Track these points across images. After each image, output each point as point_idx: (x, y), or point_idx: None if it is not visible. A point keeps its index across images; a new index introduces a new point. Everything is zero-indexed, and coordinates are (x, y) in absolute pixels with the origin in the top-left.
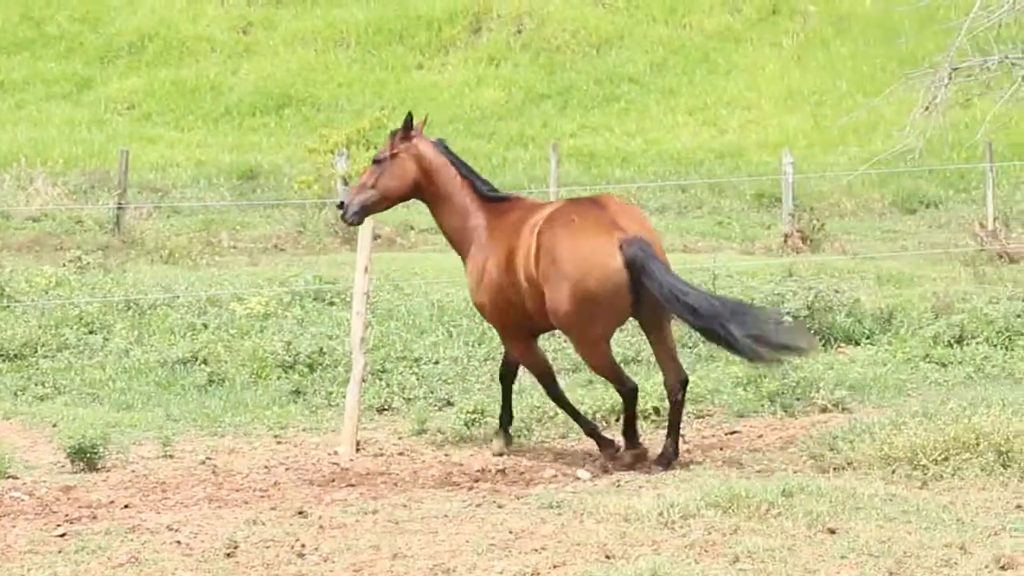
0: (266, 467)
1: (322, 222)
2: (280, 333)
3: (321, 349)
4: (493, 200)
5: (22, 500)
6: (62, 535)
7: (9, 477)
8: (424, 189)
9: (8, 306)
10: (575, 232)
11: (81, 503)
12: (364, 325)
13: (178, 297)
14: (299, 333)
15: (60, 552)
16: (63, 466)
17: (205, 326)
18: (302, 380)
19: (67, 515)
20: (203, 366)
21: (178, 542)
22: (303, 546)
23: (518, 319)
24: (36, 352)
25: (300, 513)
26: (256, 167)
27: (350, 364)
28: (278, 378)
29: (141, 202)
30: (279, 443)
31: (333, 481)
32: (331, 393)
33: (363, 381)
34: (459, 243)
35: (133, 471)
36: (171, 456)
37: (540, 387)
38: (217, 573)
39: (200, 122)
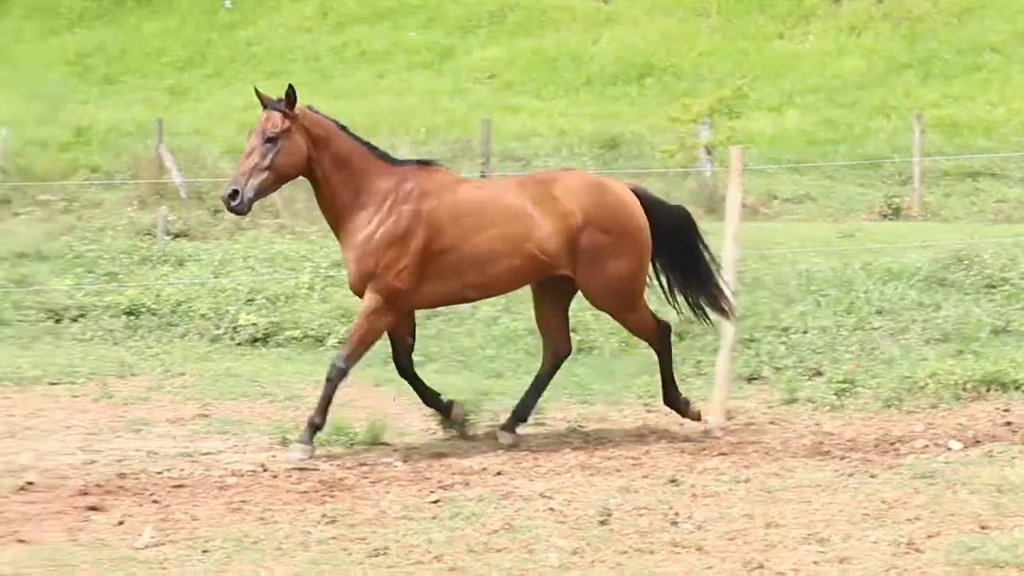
0: (637, 435)
1: (686, 192)
2: (651, 302)
3: (689, 318)
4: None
5: (395, 467)
6: (435, 501)
7: (382, 444)
8: (317, 163)
9: None
10: None
11: (454, 470)
12: (733, 294)
13: None
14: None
15: (434, 518)
16: (434, 433)
17: None
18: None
19: (440, 481)
20: (572, 334)
21: (551, 509)
22: (676, 514)
23: None
24: None
25: (672, 481)
26: (618, 136)
27: (719, 333)
28: (647, 347)
29: (504, 171)
30: (649, 411)
31: (704, 450)
32: (700, 362)
33: (733, 350)
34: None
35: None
36: (542, 424)
37: None
38: (591, 540)
39: (561, 91)
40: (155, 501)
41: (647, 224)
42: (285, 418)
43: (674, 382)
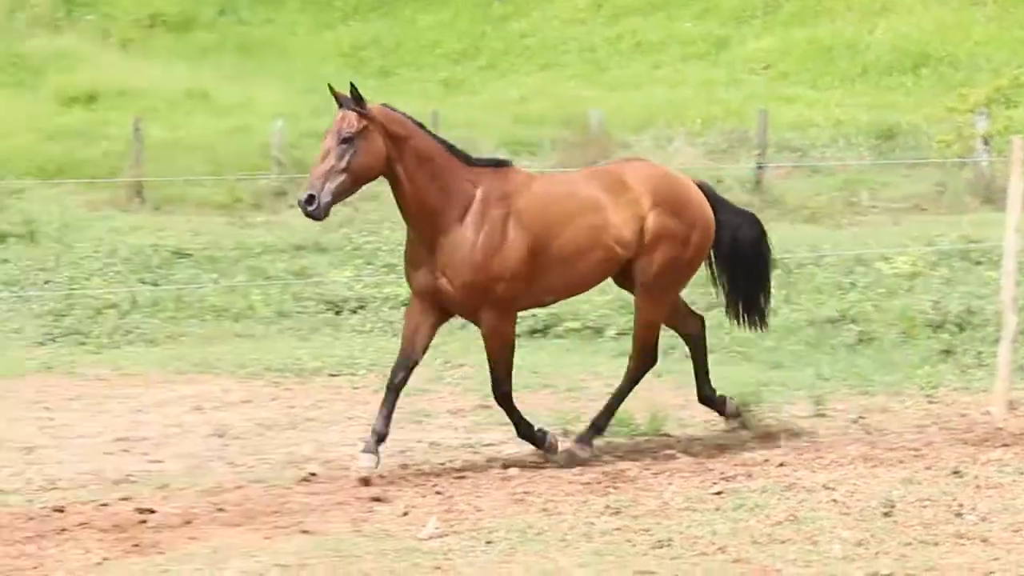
0: (919, 426)
1: (963, 182)
2: (928, 292)
3: (970, 308)
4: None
5: (677, 458)
6: (718, 493)
7: (663, 435)
8: (398, 161)
9: None
10: None
11: (736, 461)
12: (1015, 284)
13: (824, 256)
14: (947, 292)
15: (717, 509)
16: (714, 425)
17: (853, 285)
18: (952, 339)
19: (722, 473)
20: (852, 325)
21: (834, 500)
22: (960, 505)
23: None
24: None
25: (955, 472)
26: (894, 127)
27: (1001, 323)
28: (927, 337)
29: (780, 161)
30: (931, 403)
31: (987, 441)
32: (981, 352)
33: (1014, 341)
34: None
35: (787, 430)
36: (823, 415)
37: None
38: (875, 531)
39: (837, 81)
40: (438, 492)
41: (712, 217)
42: (566, 409)
43: (708, 377)
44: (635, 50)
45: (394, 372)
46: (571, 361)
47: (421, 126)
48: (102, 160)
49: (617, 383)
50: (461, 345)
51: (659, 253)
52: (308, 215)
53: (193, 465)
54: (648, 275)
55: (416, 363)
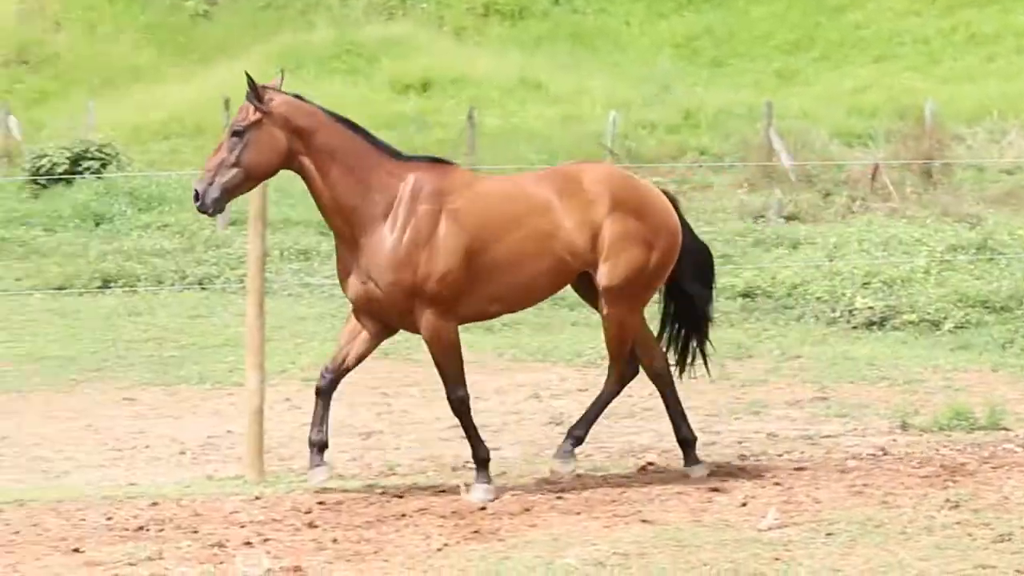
0: None
1: None
2: None
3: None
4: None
5: (1016, 452)
6: None
7: (1003, 429)
8: (302, 156)
9: (992, 258)
10: None
11: None
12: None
13: None
14: None
15: None
16: None
17: None
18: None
19: None
20: None
21: None
22: None
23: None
24: (1022, 305)
25: None
26: None
27: None
28: None
29: None
30: None
31: None
32: None
33: None
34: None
35: None
36: None
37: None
38: None
39: None
40: (777, 483)
41: (678, 223)
42: (904, 402)
43: (683, 415)
44: (969, 42)
45: (321, 375)
46: (909, 354)
47: (341, 119)
48: (436, 148)
49: (956, 375)
50: (798, 336)
51: (622, 259)
52: (198, 211)
53: (531, 453)
54: (612, 282)
55: (346, 372)
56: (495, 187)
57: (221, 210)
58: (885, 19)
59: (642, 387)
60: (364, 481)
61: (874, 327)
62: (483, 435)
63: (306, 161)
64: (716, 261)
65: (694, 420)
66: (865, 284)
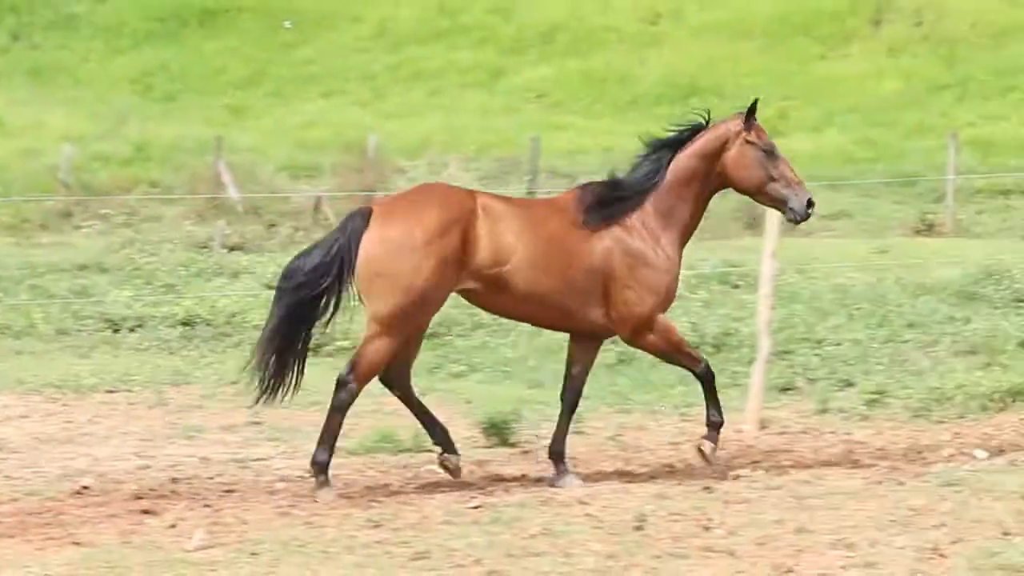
0: (673, 444)
1: (726, 208)
2: (687, 314)
3: (726, 330)
4: None
5: (437, 473)
6: (477, 507)
7: (426, 451)
8: None
9: None
10: None
11: (495, 476)
12: (769, 308)
13: None
14: (705, 315)
15: (475, 523)
16: (477, 441)
17: None
18: (708, 360)
19: (481, 488)
20: (612, 346)
21: (588, 515)
22: (709, 520)
23: None
24: (451, 331)
25: (706, 488)
26: None
27: (755, 345)
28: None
29: (551, 187)
30: (685, 421)
31: (738, 458)
32: (736, 373)
33: (767, 362)
34: None
35: (545, 447)
36: (582, 432)
37: None
38: (626, 545)
39: (608, 110)
40: (207, 505)
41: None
42: None
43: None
44: (414, 78)
45: None
46: None
47: None
48: None
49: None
50: (235, 363)
51: None
52: (802, 221)
53: None
54: None
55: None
56: None
57: None
58: (334, 56)
59: (82, 412)
60: None
61: (309, 353)
62: None
63: None
64: (159, 291)
65: (130, 447)
66: None
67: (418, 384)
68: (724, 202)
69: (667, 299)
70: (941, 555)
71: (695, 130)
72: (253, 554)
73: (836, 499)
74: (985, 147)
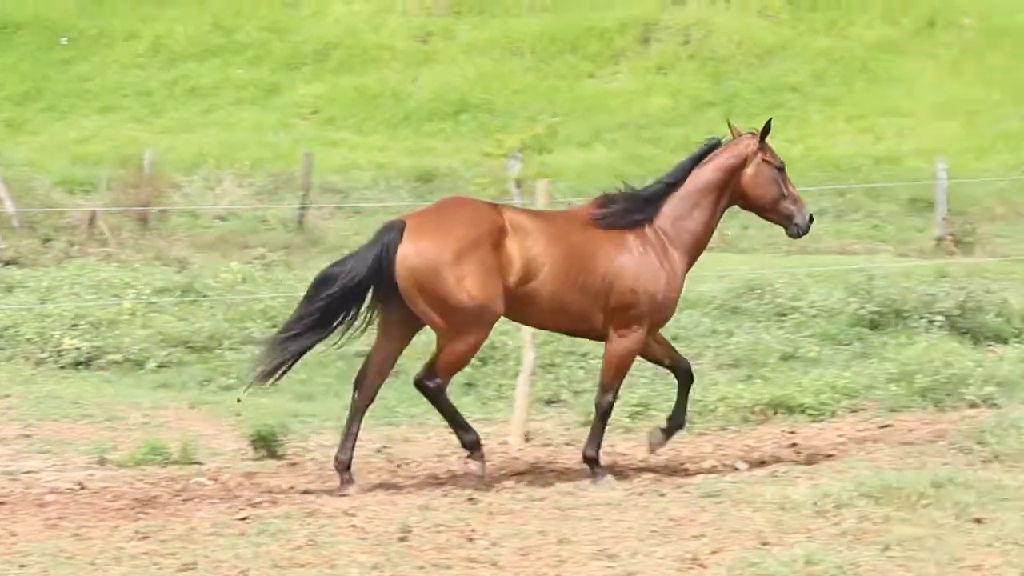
0: (439, 456)
1: None
2: None
3: (493, 343)
4: None
5: (206, 485)
6: (244, 519)
7: (194, 463)
8: None
9: (196, 300)
10: None
11: (262, 488)
12: None
13: None
14: None
15: (242, 534)
16: (245, 453)
17: None
18: (474, 373)
19: (249, 499)
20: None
21: (354, 526)
22: (473, 531)
23: None
24: (222, 344)
25: (470, 500)
26: (433, 170)
27: (521, 358)
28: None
29: (323, 203)
30: (451, 433)
31: (503, 469)
32: (502, 385)
33: (533, 374)
34: None
35: (312, 459)
36: None
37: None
38: (391, 556)
39: (381, 127)
40: None
41: None
42: (104, 438)
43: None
44: (190, 94)
45: None
46: (112, 392)
47: None
48: None
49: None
50: (7, 376)
51: None
52: (803, 235)
53: None
54: None
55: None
56: None
57: None
58: (110, 72)
59: None
60: None
61: (81, 367)
62: None
63: None
64: None
65: None
66: (74, 326)
67: (188, 397)
68: None
69: (663, 309)
70: (701, 565)
71: (711, 148)
72: (22, 566)
73: (599, 510)
74: None
